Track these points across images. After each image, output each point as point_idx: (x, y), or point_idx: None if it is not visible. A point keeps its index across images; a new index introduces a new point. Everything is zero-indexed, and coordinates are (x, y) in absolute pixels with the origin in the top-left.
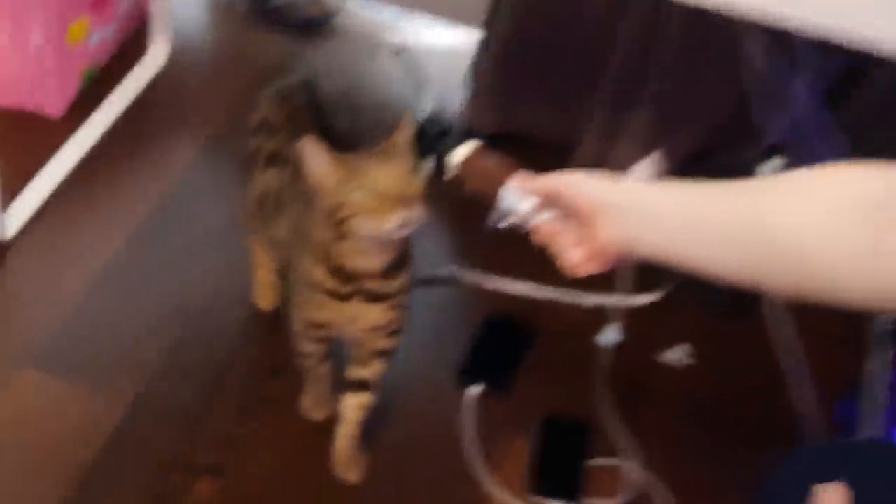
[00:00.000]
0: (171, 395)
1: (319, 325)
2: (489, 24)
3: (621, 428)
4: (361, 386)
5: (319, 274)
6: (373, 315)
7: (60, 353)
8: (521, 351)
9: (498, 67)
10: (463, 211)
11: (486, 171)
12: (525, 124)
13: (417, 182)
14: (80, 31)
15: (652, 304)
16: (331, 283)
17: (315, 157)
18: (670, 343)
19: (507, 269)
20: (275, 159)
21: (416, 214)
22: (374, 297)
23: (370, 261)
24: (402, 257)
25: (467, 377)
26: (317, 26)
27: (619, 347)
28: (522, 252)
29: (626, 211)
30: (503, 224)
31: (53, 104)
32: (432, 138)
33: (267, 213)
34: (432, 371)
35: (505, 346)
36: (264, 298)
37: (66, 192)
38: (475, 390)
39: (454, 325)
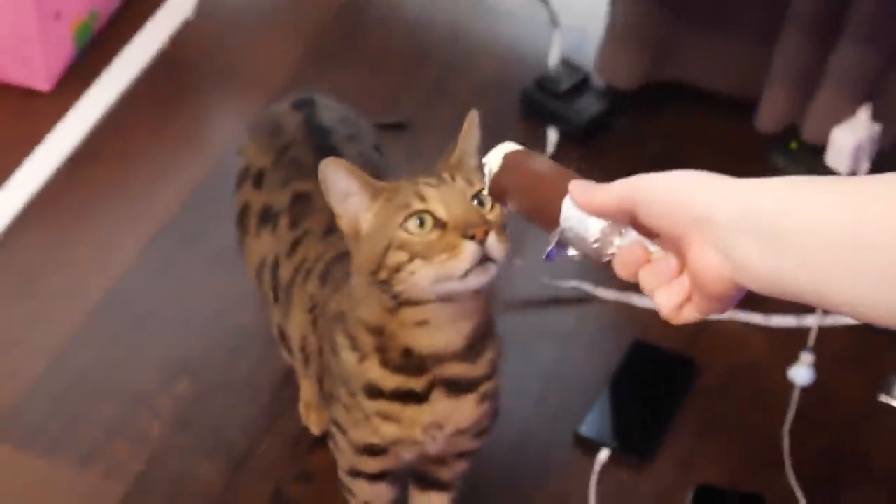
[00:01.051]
0: (184, 474)
1: (382, 451)
2: None
3: None
4: (436, 484)
5: (372, 370)
6: (461, 413)
7: (37, 421)
8: (672, 395)
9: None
10: None
11: (536, 181)
12: (683, 73)
13: (493, 205)
14: None
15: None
16: (393, 380)
17: (342, 183)
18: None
19: None
20: (267, 217)
21: (497, 247)
22: (460, 388)
23: (446, 333)
24: (487, 319)
25: (592, 437)
26: None
27: (816, 386)
28: None
29: (736, 226)
30: (569, 255)
31: (38, 74)
32: (560, 98)
33: (269, 295)
34: (550, 425)
35: (649, 388)
36: (313, 421)
37: (56, 190)
38: (604, 455)
39: (581, 362)
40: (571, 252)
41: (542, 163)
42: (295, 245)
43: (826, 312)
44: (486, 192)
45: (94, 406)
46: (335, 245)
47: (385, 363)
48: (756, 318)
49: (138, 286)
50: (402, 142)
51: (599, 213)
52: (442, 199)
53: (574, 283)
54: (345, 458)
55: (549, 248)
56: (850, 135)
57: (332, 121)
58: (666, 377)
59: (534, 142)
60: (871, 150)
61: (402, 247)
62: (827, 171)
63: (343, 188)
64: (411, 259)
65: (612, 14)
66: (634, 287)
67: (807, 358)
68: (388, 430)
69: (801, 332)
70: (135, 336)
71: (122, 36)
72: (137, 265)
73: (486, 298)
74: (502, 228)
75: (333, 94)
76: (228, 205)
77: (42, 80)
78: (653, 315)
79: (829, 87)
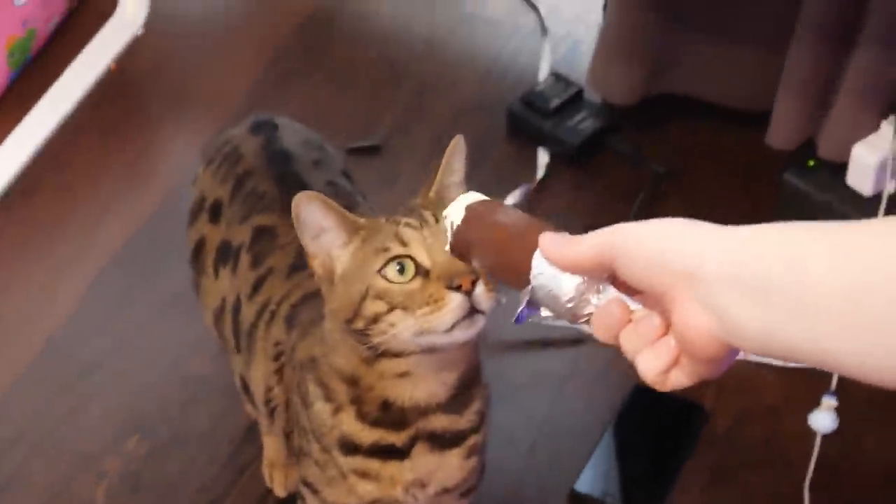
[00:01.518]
0: None
1: None
2: None
3: None
4: None
5: (348, 423)
6: (446, 470)
7: None
8: (679, 445)
9: (637, 4)
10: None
11: (502, 234)
12: (686, 85)
13: None
14: None
15: None
16: (371, 435)
17: (316, 218)
18: None
19: None
20: (226, 255)
21: (484, 298)
22: (444, 442)
23: (428, 385)
24: (473, 366)
25: (590, 493)
26: None
27: (839, 434)
28: None
29: (723, 281)
30: (541, 316)
31: None
32: (550, 115)
33: (230, 342)
34: (542, 480)
35: (653, 438)
36: (277, 481)
37: None
38: None
39: (577, 409)
40: (544, 313)
41: (510, 214)
42: (257, 285)
43: None
44: (447, 248)
45: (31, 469)
46: (302, 285)
47: (362, 416)
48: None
49: (82, 333)
50: (376, 167)
51: (574, 269)
52: (424, 243)
53: (567, 323)
54: None
55: (519, 310)
56: (873, 151)
57: (295, 145)
58: (671, 425)
59: (522, 164)
60: None
61: (380, 296)
62: (848, 191)
63: (317, 224)
64: (390, 310)
65: (606, 21)
66: None
67: (829, 402)
68: (366, 490)
69: (822, 374)
70: (79, 388)
71: (62, 55)
72: (81, 310)
73: (473, 346)
74: (490, 276)
75: (297, 117)
76: (181, 241)
77: None
78: None
79: (847, 97)
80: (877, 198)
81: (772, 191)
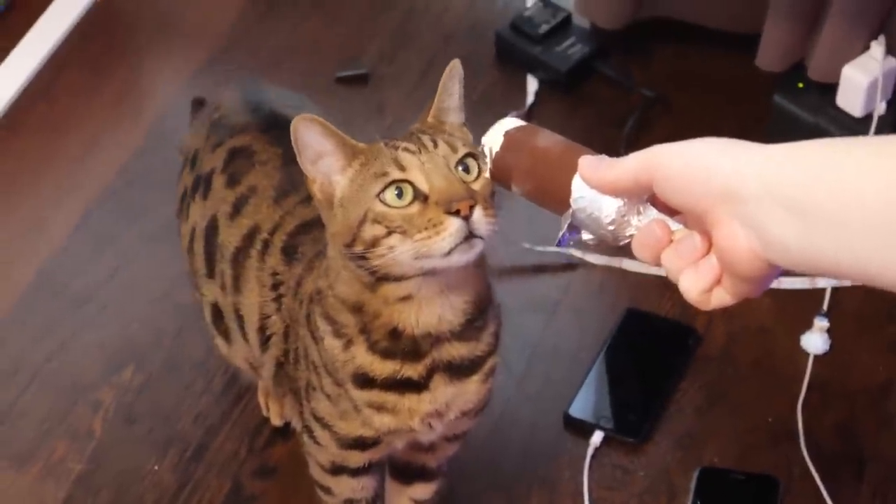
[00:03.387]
0: (132, 473)
1: (373, 444)
2: None
3: (835, 489)
4: (421, 474)
5: (360, 357)
6: (466, 395)
7: None
8: (671, 368)
9: None
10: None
11: (542, 160)
12: (675, 8)
13: (478, 172)
14: None
15: None
16: (386, 367)
17: (316, 142)
18: None
19: None
20: (197, 184)
21: (483, 223)
22: (463, 370)
23: (435, 309)
24: (484, 289)
25: (583, 418)
26: None
27: (831, 354)
28: None
29: (764, 200)
30: (583, 239)
31: None
32: (539, 41)
33: (199, 270)
34: (536, 406)
35: (646, 361)
36: (274, 410)
37: None
38: (597, 438)
39: (569, 334)
40: (586, 236)
41: (548, 139)
42: (238, 205)
43: None
44: (487, 175)
45: (28, 401)
46: (294, 212)
47: (372, 347)
48: None
49: (72, 266)
50: (364, 96)
51: (614, 191)
52: (423, 168)
53: (564, 246)
54: (325, 454)
55: (561, 233)
56: (863, 72)
57: (275, 94)
58: (663, 348)
59: (511, 90)
60: (887, 89)
61: (378, 220)
62: (838, 112)
63: (317, 148)
64: (389, 234)
65: None
66: (625, 250)
67: (821, 324)
68: (383, 422)
69: (814, 295)
70: (71, 321)
71: None
72: (71, 243)
73: (479, 267)
74: (489, 200)
75: (284, 46)
76: (168, 173)
77: None
78: (647, 280)
79: (836, 18)
80: (867, 118)
81: (762, 113)
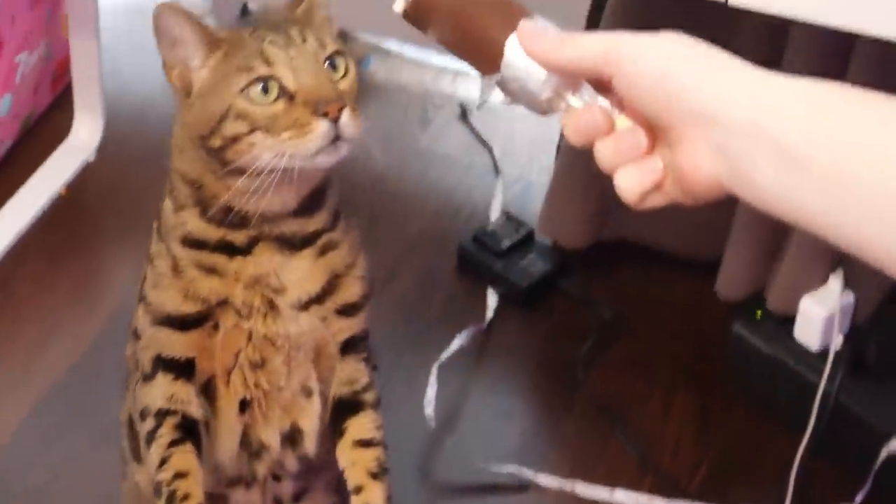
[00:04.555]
0: None
1: (197, 318)
2: None
3: None
4: (347, 408)
5: (192, 223)
6: (302, 269)
7: None
8: None
9: (589, 151)
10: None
11: (471, 6)
12: (637, 232)
13: (346, 70)
14: None
15: None
16: (217, 233)
17: (175, 29)
18: None
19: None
20: None
21: (351, 126)
22: (295, 243)
23: (279, 199)
24: (326, 178)
25: None
26: None
27: None
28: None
29: (747, 132)
30: (503, 101)
31: None
32: (501, 255)
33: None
34: None
35: None
36: None
37: None
38: None
39: None
40: (507, 100)
41: None
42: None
43: None
44: (398, 11)
45: None
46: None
47: (206, 217)
48: None
49: (16, 464)
50: None
51: (559, 71)
52: (291, 64)
53: (512, 469)
54: (144, 353)
55: (480, 97)
56: (821, 305)
57: None
58: None
59: (471, 303)
60: (844, 324)
61: (241, 116)
62: (795, 345)
63: (175, 34)
64: (252, 131)
65: (558, 164)
66: (580, 473)
67: None
68: (211, 286)
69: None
70: None
71: (12, 179)
72: (16, 440)
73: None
74: (356, 101)
75: None
76: (122, 371)
77: None
78: None
79: (796, 249)
80: (824, 352)
81: (721, 339)
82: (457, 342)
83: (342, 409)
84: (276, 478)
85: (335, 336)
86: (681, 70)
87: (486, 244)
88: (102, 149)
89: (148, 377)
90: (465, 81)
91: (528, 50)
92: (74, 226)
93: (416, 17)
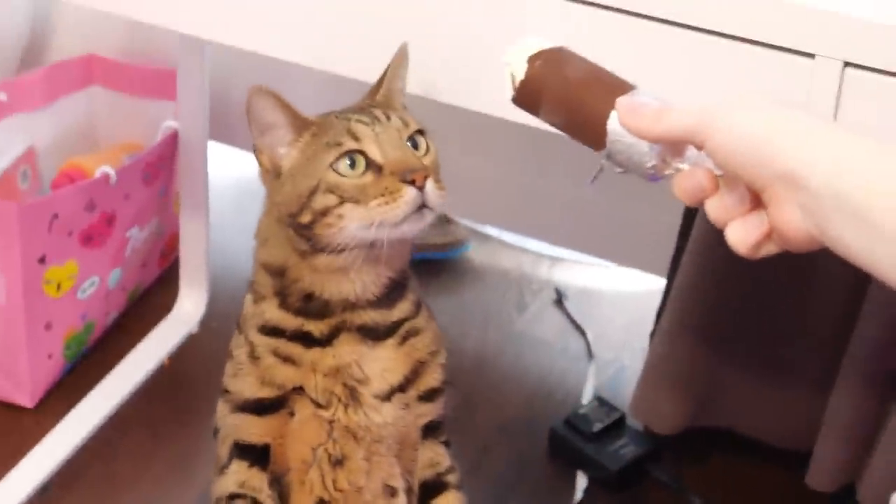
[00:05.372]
0: None
1: (274, 402)
2: (671, 278)
3: None
4: (433, 487)
5: (270, 312)
6: (383, 360)
7: None
8: None
9: (684, 337)
10: None
11: (573, 89)
12: (731, 420)
13: (427, 148)
14: (63, 277)
15: None
16: (294, 322)
17: (267, 114)
18: None
19: None
20: None
21: (434, 194)
22: (375, 333)
23: (361, 281)
24: (405, 267)
25: None
26: (439, 262)
27: None
28: None
29: (828, 197)
30: (617, 171)
31: (23, 389)
32: (592, 439)
33: None
34: None
35: None
36: None
37: None
38: None
39: None
40: (618, 170)
41: (580, 66)
42: None
43: None
44: (511, 100)
45: None
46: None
47: (285, 306)
48: None
49: None
50: None
51: (657, 142)
52: (377, 139)
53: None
54: (221, 443)
55: (595, 173)
56: None
57: None
58: None
59: (561, 486)
60: None
61: (331, 189)
62: None
63: (268, 119)
64: (341, 203)
65: (652, 350)
66: None
67: None
68: (286, 375)
69: None
70: None
71: (117, 349)
72: None
73: (409, 243)
74: (438, 174)
75: None
76: None
77: (26, 395)
78: None
79: (888, 445)
80: None
81: None
82: None
83: (426, 492)
84: None
85: (416, 420)
86: (769, 138)
87: (578, 427)
88: (205, 322)
89: (223, 467)
90: (561, 267)
91: (626, 125)
92: (175, 397)
93: (526, 103)
